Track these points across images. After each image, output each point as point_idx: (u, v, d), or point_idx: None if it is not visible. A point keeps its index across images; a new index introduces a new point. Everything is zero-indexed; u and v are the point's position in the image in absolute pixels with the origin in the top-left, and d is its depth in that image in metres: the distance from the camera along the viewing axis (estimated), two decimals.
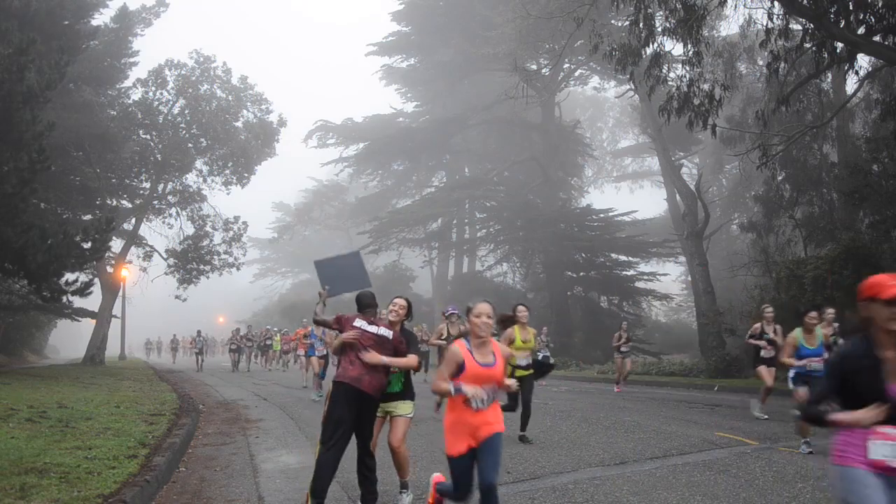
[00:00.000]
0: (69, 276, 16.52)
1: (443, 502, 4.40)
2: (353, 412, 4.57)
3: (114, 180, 26.42)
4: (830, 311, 10.15)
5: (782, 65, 13.81)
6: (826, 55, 13.03)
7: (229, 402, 13.10)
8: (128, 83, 26.27)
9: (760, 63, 20.59)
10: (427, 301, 40.22)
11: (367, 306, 5.09)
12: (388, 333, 4.87)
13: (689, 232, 22.84)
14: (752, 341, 9.79)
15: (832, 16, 12.03)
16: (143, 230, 29.52)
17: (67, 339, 54.26)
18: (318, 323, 5.23)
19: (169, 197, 29.58)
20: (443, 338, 10.36)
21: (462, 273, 39.92)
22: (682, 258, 30.50)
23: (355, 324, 4.87)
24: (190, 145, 28.54)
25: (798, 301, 15.66)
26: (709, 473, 5.92)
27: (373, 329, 4.84)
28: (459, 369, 3.74)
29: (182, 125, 28.31)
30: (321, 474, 4.42)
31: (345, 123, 40.97)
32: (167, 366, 32.00)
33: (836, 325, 10.43)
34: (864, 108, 18.93)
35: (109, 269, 26.97)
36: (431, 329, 19.85)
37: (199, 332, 27.76)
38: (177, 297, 29.68)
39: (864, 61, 15.86)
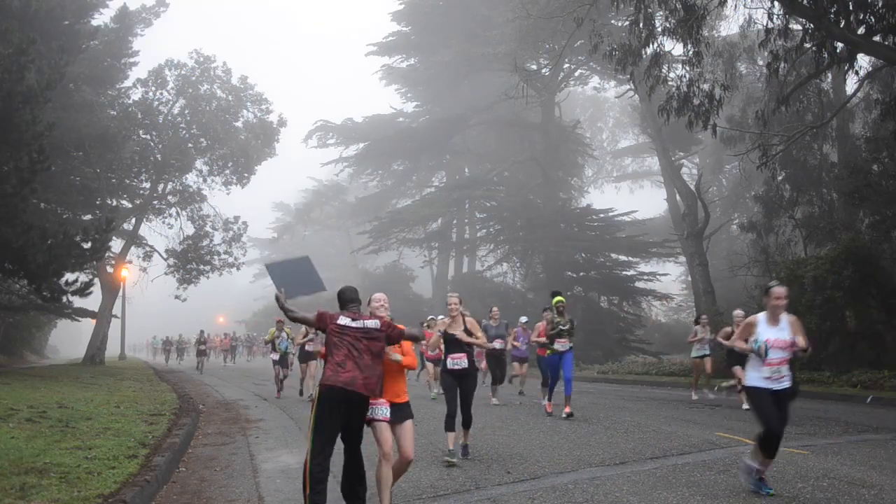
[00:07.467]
0: (69, 276, 16.53)
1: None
2: (344, 418, 4.37)
3: (114, 180, 26.41)
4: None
5: (782, 65, 13.80)
6: (826, 55, 13.02)
7: (229, 402, 13.11)
8: (128, 83, 26.31)
9: (760, 63, 20.55)
10: (427, 301, 40.20)
11: (349, 301, 4.81)
12: (375, 323, 4.67)
13: (689, 232, 22.84)
14: None
15: (832, 16, 12.03)
16: (143, 230, 29.58)
17: (67, 339, 54.26)
18: (294, 319, 4.82)
19: (169, 197, 29.60)
20: None
21: (462, 273, 39.88)
22: (682, 258, 30.46)
23: (339, 321, 4.62)
24: (190, 145, 28.54)
25: (798, 301, 15.65)
26: (709, 473, 5.92)
27: (357, 324, 4.61)
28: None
29: (182, 125, 28.33)
30: (320, 488, 4.18)
31: (345, 123, 40.94)
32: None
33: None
34: (864, 108, 18.89)
35: (109, 269, 26.96)
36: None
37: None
38: (176, 297, 29.71)
39: (864, 61, 15.87)
